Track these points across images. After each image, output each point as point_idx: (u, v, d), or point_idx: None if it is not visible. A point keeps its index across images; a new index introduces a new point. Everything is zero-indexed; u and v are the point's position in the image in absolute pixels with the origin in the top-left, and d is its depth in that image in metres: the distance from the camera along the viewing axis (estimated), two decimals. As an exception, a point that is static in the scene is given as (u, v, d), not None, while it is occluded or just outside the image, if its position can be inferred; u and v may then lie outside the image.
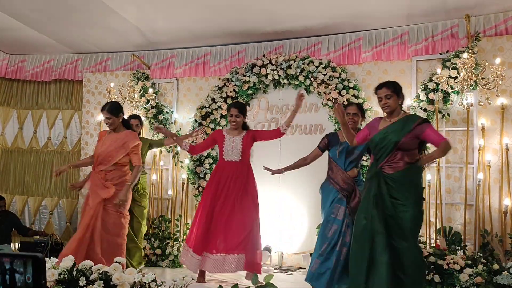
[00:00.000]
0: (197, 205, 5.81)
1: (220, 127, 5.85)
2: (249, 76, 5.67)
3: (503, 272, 4.02)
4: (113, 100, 5.71)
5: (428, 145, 3.53)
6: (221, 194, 4.32)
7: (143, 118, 6.08)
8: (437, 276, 4.23)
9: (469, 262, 4.24)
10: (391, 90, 3.32)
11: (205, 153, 5.76)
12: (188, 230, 5.81)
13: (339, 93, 5.18)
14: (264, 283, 2.29)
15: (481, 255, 4.31)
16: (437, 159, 3.41)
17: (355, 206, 3.80)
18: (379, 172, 3.26)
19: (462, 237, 4.64)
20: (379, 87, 3.38)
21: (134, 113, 5.90)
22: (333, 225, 3.93)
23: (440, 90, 4.79)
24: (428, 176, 4.83)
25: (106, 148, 4.12)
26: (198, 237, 4.28)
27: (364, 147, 3.90)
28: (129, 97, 5.84)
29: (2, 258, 0.78)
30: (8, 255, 0.79)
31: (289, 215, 5.52)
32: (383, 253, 3.09)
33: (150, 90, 5.99)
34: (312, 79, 5.37)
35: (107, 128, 4.26)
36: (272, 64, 5.59)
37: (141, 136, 5.25)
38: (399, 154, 3.23)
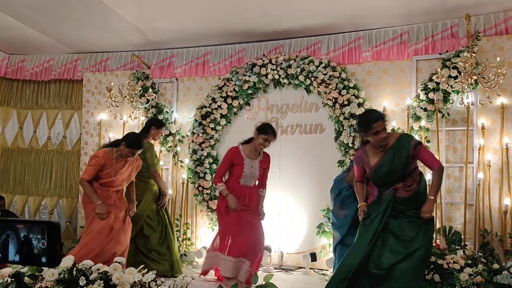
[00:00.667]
0: (197, 205, 5.84)
1: (220, 127, 5.85)
2: (249, 76, 5.66)
3: (503, 272, 4.02)
4: (115, 101, 5.73)
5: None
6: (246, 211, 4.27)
7: (142, 118, 6.10)
8: (437, 276, 4.22)
9: (469, 261, 4.23)
10: (385, 122, 3.27)
11: (205, 153, 5.76)
12: (187, 230, 5.82)
13: (339, 93, 5.18)
14: (264, 282, 2.28)
15: (481, 254, 4.30)
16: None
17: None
18: (391, 196, 3.25)
19: (462, 236, 4.64)
20: (375, 120, 3.21)
21: (132, 114, 5.91)
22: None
23: (440, 89, 4.79)
24: (428, 176, 4.83)
25: (126, 170, 4.35)
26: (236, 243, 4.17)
27: None
28: (128, 97, 5.83)
29: (17, 226, 0.82)
30: (23, 222, 0.83)
31: (289, 215, 5.52)
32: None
33: (150, 90, 5.98)
34: (312, 78, 5.37)
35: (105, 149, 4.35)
36: (272, 64, 5.58)
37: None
38: (410, 179, 3.28)
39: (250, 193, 4.29)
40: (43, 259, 0.81)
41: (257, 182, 4.40)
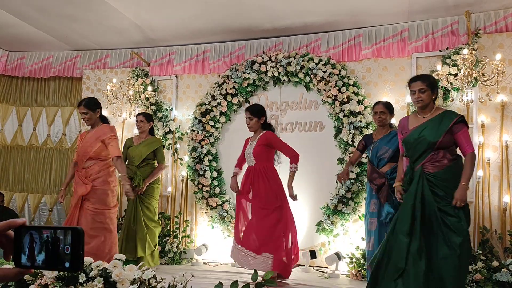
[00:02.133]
0: (196, 202, 5.84)
1: (220, 124, 5.85)
2: (248, 73, 5.66)
3: (503, 269, 4.03)
4: (113, 97, 5.71)
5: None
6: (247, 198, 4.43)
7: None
8: (437, 273, 4.23)
9: (469, 259, 4.25)
10: (426, 84, 3.24)
11: (204, 150, 5.76)
12: (187, 227, 5.83)
13: (339, 90, 5.17)
14: (264, 279, 2.29)
15: (481, 252, 4.31)
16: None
17: (383, 198, 3.99)
18: (420, 172, 3.18)
19: (462, 234, 4.63)
20: (414, 79, 3.31)
21: (133, 112, 5.94)
22: (372, 219, 4.16)
23: (440, 87, 4.78)
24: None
25: (83, 144, 4.12)
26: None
27: (397, 145, 3.91)
28: (127, 94, 5.82)
29: (42, 231, 0.86)
30: (48, 228, 0.86)
31: (288, 212, 5.51)
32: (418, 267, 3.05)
33: (149, 88, 5.96)
34: (312, 76, 5.36)
35: (88, 128, 4.31)
36: (272, 61, 5.58)
37: (154, 135, 5.34)
38: (441, 153, 3.17)
39: (253, 173, 4.36)
40: (67, 264, 0.84)
41: (255, 162, 4.38)
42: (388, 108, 4.25)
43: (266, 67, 5.58)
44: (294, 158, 4.32)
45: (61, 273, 2.18)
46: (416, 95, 3.24)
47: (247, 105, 5.85)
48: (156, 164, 5.15)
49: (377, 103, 4.36)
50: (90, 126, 4.23)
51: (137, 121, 5.18)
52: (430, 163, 3.18)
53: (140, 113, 5.30)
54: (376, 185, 4.10)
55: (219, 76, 5.94)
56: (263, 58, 5.63)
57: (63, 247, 0.84)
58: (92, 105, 4.13)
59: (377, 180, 4.09)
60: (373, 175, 4.15)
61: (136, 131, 5.68)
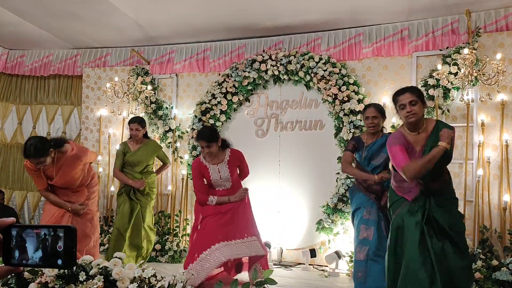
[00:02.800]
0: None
1: (220, 123, 5.84)
2: (249, 72, 5.65)
3: (502, 268, 4.03)
4: (115, 95, 5.71)
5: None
6: (226, 223, 3.96)
7: (142, 114, 6.09)
8: (436, 272, 4.24)
9: (468, 258, 4.25)
10: (416, 95, 2.89)
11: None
12: (187, 226, 5.82)
13: (339, 89, 5.17)
14: (264, 278, 2.29)
15: (480, 251, 4.32)
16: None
17: (384, 204, 3.67)
18: (427, 191, 2.90)
19: (462, 233, 4.64)
20: (400, 92, 2.93)
21: (133, 111, 5.90)
22: (369, 227, 3.75)
23: (440, 86, 4.78)
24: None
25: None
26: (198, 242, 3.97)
27: None
28: (128, 92, 5.82)
29: (35, 230, 0.88)
30: (39, 227, 0.88)
31: (288, 211, 5.53)
32: None
33: (149, 86, 5.95)
34: (312, 74, 5.36)
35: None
36: (272, 60, 5.57)
37: (151, 139, 5.20)
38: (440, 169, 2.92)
39: (231, 194, 4.08)
40: (59, 261, 0.85)
41: (235, 183, 4.16)
42: (380, 112, 3.86)
43: (266, 66, 5.58)
44: (246, 176, 4.30)
45: (61, 271, 2.19)
46: (407, 108, 2.86)
47: (247, 103, 5.86)
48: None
49: (368, 106, 3.95)
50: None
51: (131, 129, 4.85)
52: (433, 180, 2.92)
53: (133, 120, 4.90)
54: (374, 193, 3.81)
55: (219, 74, 5.94)
56: (263, 56, 5.63)
57: (56, 245, 0.85)
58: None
59: (374, 188, 3.81)
60: (368, 181, 3.84)
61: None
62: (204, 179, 4.11)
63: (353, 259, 4.02)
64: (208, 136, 3.94)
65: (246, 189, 4.12)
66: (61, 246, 0.85)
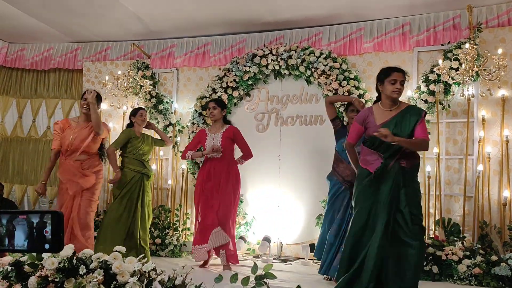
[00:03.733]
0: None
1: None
2: (249, 66, 5.64)
3: (501, 263, 4.04)
4: (118, 88, 5.72)
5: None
6: (207, 192, 4.56)
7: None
8: (435, 267, 4.25)
9: (468, 253, 4.26)
10: (405, 78, 3.22)
11: (205, 143, 5.76)
12: (187, 220, 5.84)
13: (340, 84, 5.16)
14: (264, 272, 2.29)
15: (480, 246, 4.33)
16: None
17: None
18: (397, 169, 3.11)
19: (461, 228, 4.65)
20: (397, 69, 3.20)
21: (134, 105, 5.91)
22: (338, 215, 4.05)
23: (441, 81, 4.77)
24: (428, 167, 4.83)
25: (76, 138, 4.23)
26: (198, 233, 4.63)
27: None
28: (128, 86, 5.82)
29: (20, 216, 0.90)
30: (25, 212, 0.89)
31: (288, 205, 5.53)
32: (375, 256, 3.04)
33: (148, 82, 5.92)
34: (313, 69, 5.35)
35: (66, 117, 4.34)
36: (273, 55, 5.56)
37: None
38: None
39: (219, 166, 4.53)
40: (46, 246, 0.86)
41: (226, 154, 4.60)
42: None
43: (267, 60, 5.57)
44: (248, 156, 4.75)
45: (61, 265, 2.19)
46: (397, 85, 3.15)
47: (248, 98, 5.86)
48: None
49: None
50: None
51: (141, 115, 4.94)
52: (404, 158, 3.12)
53: (143, 107, 5.17)
54: (349, 183, 3.93)
55: (220, 69, 5.93)
56: (264, 51, 5.61)
57: (43, 230, 0.86)
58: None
59: (350, 177, 3.93)
60: (346, 171, 4.01)
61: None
62: (201, 146, 4.71)
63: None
64: (217, 100, 4.77)
65: (219, 147, 4.49)
66: (48, 231, 0.85)
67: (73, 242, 3.77)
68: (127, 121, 6.22)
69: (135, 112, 4.99)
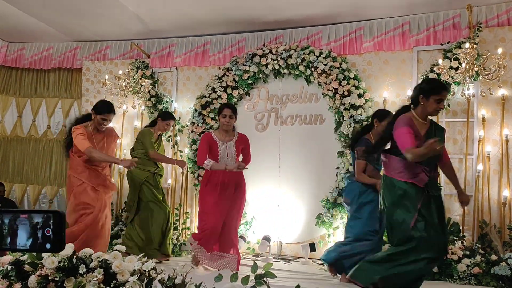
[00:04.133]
0: (196, 195, 5.84)
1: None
2: (249, 66, 5.64)
3: (501, 263, 4.04)
4: (119, 88, 5.72)
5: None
6: (227, 200, 4.37)
7: (142, 108, 6.10)
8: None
9: (467, 252, 4.26)
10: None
11: (204, 143, 5.76)
12: (187, 219, 5.83)
13: (340, 83, 5.16)
14: (263, 271, 2.29)
15: (479, 245, 4.33)
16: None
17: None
18: (433, 181, 3.20)
19: (461, 227, 4.65)
20: (446, 88, 3.12)
21: (134, 105, 5.93)
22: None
23: (441, 80, 4.77)
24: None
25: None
26: (206, 234, 4.36)
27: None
28: (127, 86, 5.81)
29: (21, 215, 0.90)
30: (26, 212, 0.89)
31: (288, 205, 5.53)
32: None
33: (147, 81, 5.92)
34: (313, 69, 5.34)
35: (81, 125, 4.25)
36: (273, 54, 5.56)
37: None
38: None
39: (235, 177, 4.40)
40: (48, 246, 0.87)
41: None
42: None
43: (266, 60, 5.57)
44: (248, 162, 4.52)
45: (61, 264, 2.19)
46: (441, 105, 3.10)
47: (247, 97, 5.86)
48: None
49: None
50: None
51: (169, 124, 5.09)
52: (435, 170, 3.25)
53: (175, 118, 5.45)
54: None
55: (220, 68, 5.92)
56: (263, 50, 5.61)
57: (45, 230, 0.86)
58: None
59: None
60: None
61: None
62: (209, 154, 4.37)
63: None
64: (235, 108, 4.44)
65: (244, 164, 4.32)
66: (50, 231, 0.86)
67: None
68: (127, 121, 6.24)
69: (167, 117, 5.09)
